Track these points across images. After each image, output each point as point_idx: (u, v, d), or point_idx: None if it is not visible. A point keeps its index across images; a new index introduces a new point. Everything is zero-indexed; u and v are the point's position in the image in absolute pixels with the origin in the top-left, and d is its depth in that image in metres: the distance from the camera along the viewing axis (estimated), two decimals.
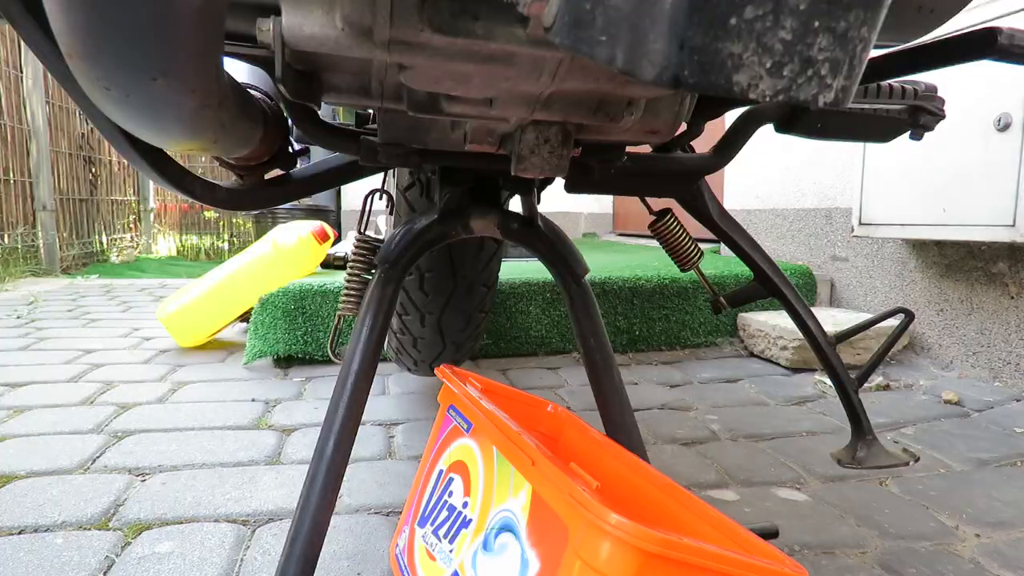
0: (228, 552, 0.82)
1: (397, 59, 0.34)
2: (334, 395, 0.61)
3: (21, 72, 3.47)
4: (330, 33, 0.32)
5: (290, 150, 0.59)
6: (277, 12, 0.32)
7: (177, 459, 1.11)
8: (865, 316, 1.88)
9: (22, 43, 2.88)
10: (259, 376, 1.65)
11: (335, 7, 0.31)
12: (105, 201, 4.50)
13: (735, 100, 0.61)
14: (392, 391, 1.55)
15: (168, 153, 0.51)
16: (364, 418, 1.27)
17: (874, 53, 0.52)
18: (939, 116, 0.70)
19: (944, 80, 0.75)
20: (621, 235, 4.21)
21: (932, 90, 0.70)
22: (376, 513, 0.93)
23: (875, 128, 0.70)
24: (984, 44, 0.49)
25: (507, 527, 0.47)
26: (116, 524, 0.88)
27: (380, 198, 0.80)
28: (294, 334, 1.71)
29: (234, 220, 5.17)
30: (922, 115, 0.69)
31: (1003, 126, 1.38)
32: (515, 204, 0.81)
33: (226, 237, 5.20)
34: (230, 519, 0.91)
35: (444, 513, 0.56)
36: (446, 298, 1.11)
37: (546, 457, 0.46)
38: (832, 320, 1.84)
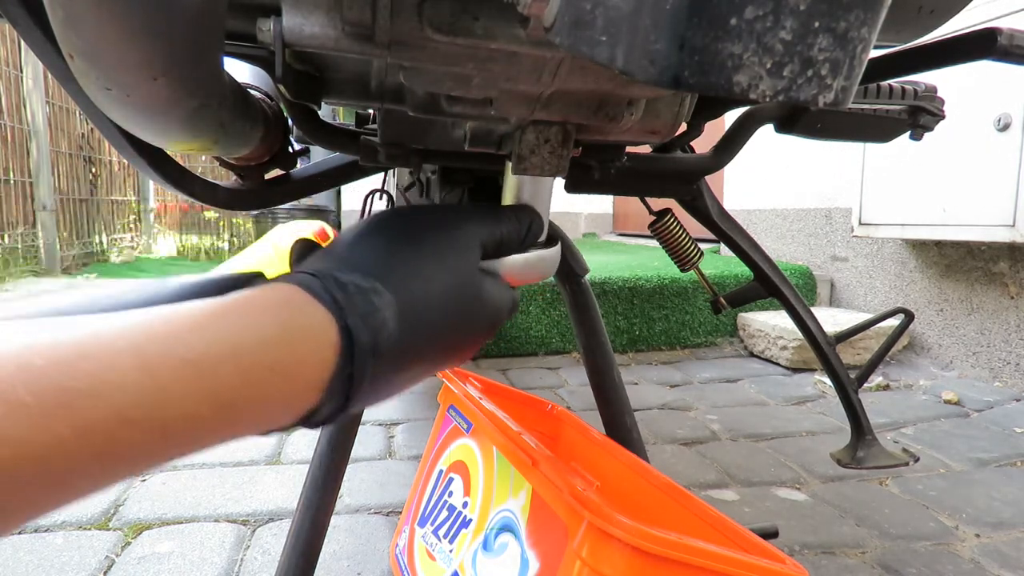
0: (228, 552, 0.82)
1: (397, 59, 0.34)
2: None
3: (21, 72, 3.47)
4: (330, 33, 0.32)
5: (290, 150, 0.59)
6: (277, 12, 0.32)
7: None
8: (865, 316, 1.88)
9: (22, 43, 2.88)
10: None
11: (336, 7, 0.31)
12: (105, 201, 4.50)
13: (735, 100, 0.61)
14: None
15: (168, 153, 0.51)
16: (364, 418, 1.27)
17: (874, 53, 0.52)
18: (939, 116, 0.70)
19: (944, 80, 0.75)
20: (621, 235, 4.21)
21: (932, 90, 0.70)
22: (376, 513, 0.93)
23: (875, 128, 0.70)
24: (984, 44, 0.49)
25: (507, 527, 0.47)
26: (116, 524, 0.88)
27: (380, 198, 0.80)
28: None
29: (234, 220, 5.16)
30: (922, 115, 0.69)
31: (1003, 126, 1.38)
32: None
33: (226, 237, 5.20)
34: (230, 519, 0.91)
35: (444, 513, 0.56)
36: None
37: (546, 457, 0.46)
38: (832, 320, 1.85)
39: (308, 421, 0.26)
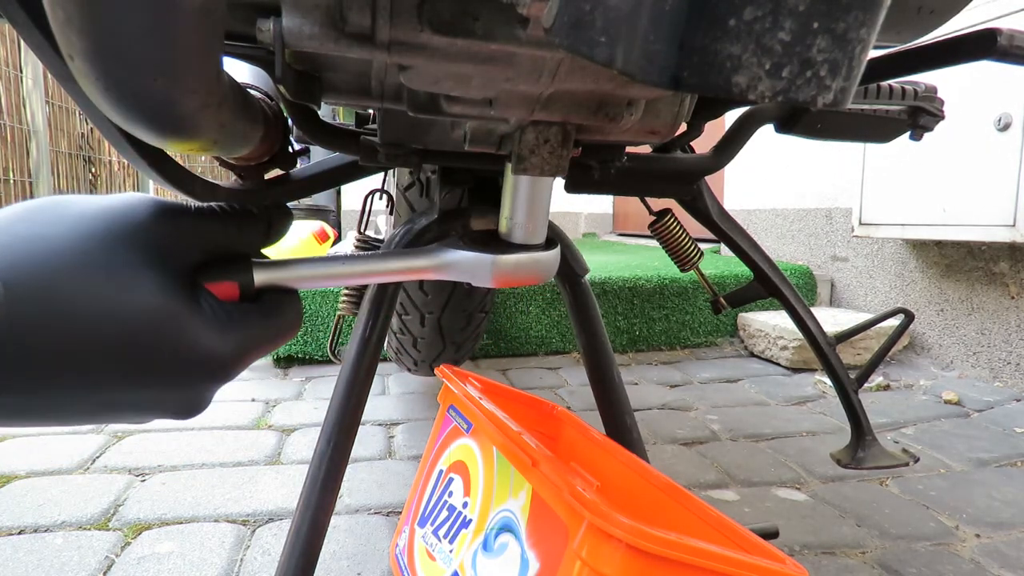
0: (228, 552, 0.82)
1: (397, 60, 0.34)
2: (334, 395, 0.61)
3: (21, 72, 3.47)
4: (330, 34, 0.32)
5: (290, 150, 0.59)
6: (277, 12, 0.32)
7: (177, 459, 1.11)
8: (865, 316, 1.88)
9: (22, 43, 2.88)
10: (259, 376, 1.65)
11: (335, 8, 0.31)
12: None
13: (735, 101, 0.61)
14: (392, 391, 1.55)
15: (168, 153, 0.51)
16: (364, 418, 1.27)
17: (874, 53, 0.52)
18: (939, 116, 0.70)
19: (944, 80, 0.75)
20: (621, 235, 4.21)
21: (932, 90, 0.70)
22: (376, 513, 0.93)
23: (875, 128, 0.70)
24: (984, 44, 0.49)
25: (507, 527, 0.47)
26: (116, 524, 0.88)
27: (380, 198, 0.80)
28: None
29: None
30: (922, 115, 0.69)
31: (1003, 126, 1.38)
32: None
33: None
34: (230, 519, 0.91)
35: (444, 513, 0.56)
36: (446, 298, 1.11)
37: (546, 457, 0.46)
38: (832, 320, 1.84)
39: None
